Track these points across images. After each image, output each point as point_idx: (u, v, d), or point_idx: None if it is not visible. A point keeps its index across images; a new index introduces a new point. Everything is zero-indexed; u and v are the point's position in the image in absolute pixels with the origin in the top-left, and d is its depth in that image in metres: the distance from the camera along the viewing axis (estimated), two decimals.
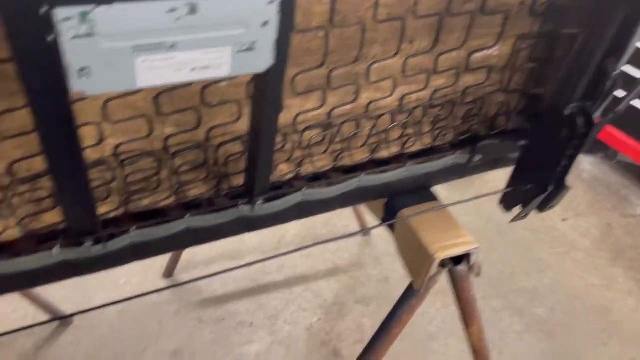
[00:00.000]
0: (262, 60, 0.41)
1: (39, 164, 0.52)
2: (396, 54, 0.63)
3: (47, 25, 0.34)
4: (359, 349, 1.46)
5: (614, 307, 1.57)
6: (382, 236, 1.79)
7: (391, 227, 0.78)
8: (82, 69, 0.34)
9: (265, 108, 0.49)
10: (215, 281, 1.57)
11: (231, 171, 0.63)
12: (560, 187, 0.73)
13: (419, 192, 0.75)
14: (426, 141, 0.74)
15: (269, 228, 0.68)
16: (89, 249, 0.55)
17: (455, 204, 0.74)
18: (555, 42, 0.70)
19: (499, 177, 2.28)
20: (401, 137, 0.72)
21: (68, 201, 0.48)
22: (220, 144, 0.61)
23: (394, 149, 0.72)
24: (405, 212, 0.73)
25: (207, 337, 1.45)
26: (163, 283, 1.57)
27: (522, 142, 0.72)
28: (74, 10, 0.33)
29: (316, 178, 0.70)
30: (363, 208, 1.68)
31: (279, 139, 0.63)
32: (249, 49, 0.40)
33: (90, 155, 0.54)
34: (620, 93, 0.70)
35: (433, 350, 1.44)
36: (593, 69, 0.65)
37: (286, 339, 1.45)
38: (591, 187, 2.03)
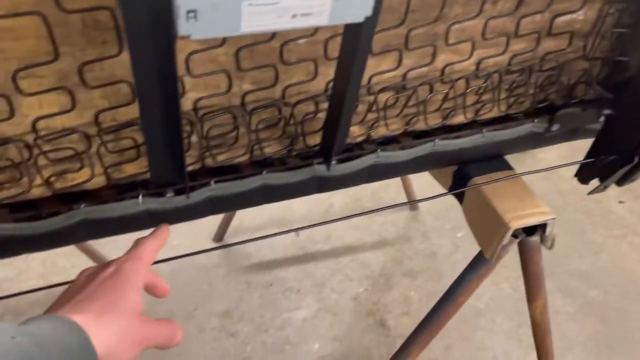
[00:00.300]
0: (361, 9, 0.40)
1: (122, 114, 0.53)
2: (478, 14, 0.61)
3: None
4: (405, 320, 1.47)
5: None
6: (430, 211, 1.78)
7: (458, 196, 0.77)
8: (189, 11, 0.34)
9: (354, 62, 0.48)
10: (264, 247, 1.60)
11: (305, 130, 0.63)
12: None
13: (492, 160, 0.74)
14: (502, 108, 0.71)
15: (334, 191, 0.68)
16: (171, 200, 0.57)
17: (529, 173, 0.72)
18: None
19: (551, 158, 2.20)
20: (476, 102, 0.70)
21: (158, 151, 0.49)
22: (296, 103, 0.61)
23: (469, 115, 0.70)
24: (478, 179, 0.71)
25: (255, 300, 1.48)
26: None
27: (606, 112, 0.69)
28: None
29: (386, 142, 0.69)
30: (412, 181, 1.66)
31: None
32: None
33: None
34: None
35: (480, 326, 1.44)
36: None
37: (333, 306, 1.47)
38: None
